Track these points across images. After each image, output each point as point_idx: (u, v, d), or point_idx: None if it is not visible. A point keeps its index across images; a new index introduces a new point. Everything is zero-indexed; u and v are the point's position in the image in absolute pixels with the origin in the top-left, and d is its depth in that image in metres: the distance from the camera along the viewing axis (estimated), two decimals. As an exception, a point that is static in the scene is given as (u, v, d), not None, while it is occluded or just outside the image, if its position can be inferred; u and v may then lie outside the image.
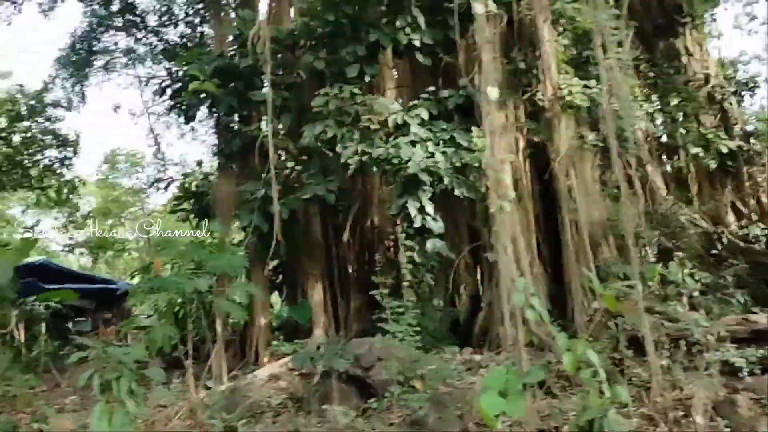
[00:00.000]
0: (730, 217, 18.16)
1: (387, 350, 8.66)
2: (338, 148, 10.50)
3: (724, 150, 17.90)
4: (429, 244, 10.56)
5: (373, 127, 10.70)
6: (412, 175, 9.90)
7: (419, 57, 11.62)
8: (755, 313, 11.80)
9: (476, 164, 10.67)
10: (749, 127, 19.09)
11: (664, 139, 19.16)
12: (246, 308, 8.70)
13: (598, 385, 3.92)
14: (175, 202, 15.49)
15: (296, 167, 12.26)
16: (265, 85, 11.40)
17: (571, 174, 13.12)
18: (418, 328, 9.47)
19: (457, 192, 10.50)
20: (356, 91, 10.81)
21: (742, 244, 15.93)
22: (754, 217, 17.60)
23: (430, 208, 10.17)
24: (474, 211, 11.48)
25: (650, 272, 9.76)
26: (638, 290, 7.14)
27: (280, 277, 13.36)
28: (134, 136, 78.50)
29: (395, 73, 13.78)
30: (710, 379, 6.69)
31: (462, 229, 12.10)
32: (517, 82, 11.50)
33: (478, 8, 6.28)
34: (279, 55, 12.08)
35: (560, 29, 11.14)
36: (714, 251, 16.01)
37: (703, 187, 18.74)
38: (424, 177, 9.94)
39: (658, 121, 19.38)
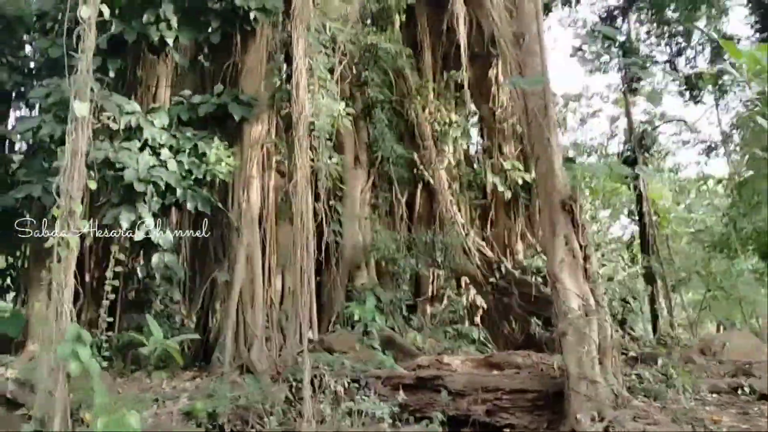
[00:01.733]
0: (520, 247, 18.72)
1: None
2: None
3: (520, 181, 18.41)
4: (154, 259, 9.85)
5: (102, 126, 9.81)
6: (128, 184, 9.12)
7: (176, 57, 10.92)
8: (485, 351, 12.04)
9: (218, 177, 10.12)
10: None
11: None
12: None
13: None
14: None
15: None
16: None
17: (347, 194, 12.91)
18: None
19: (189, 206, 9.85)
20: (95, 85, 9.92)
21: (517, 274, 16.34)
22: (539, 248, 18.19)
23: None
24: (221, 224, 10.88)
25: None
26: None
27: (8, 280, 12.11)
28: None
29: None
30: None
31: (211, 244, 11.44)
32: (278, 98, 11.08)
33: (84, 12, 5.62)
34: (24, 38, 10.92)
35: (322, 47, 10.77)
36: (492, 279, 16.36)
37: (499, 217, 19.21)
38: (142, 187, 9.18)
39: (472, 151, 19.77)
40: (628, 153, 27.50)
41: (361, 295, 11.99)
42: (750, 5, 21.11)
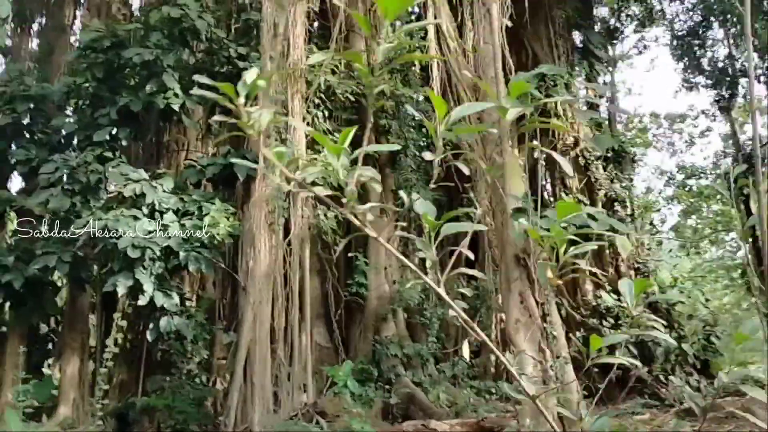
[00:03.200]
0: (588, 285, 17.58)
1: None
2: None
3: (584, 216, 17.36)
4: (162, 322, 9.99)
5: (109, 196, 10.20)
6: (123, 250, 9.33)
7: (186, 121, 11.22)
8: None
9: (219, 238, 10.16)
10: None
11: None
12: None
13: None
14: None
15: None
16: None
17: (371, 243, 12.60)
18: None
19: (191, 268, 9.95)
20: (108, 155, 10.41)
21: (578, 316, 15.30)
22: (608, 287, 16.97)
23: (148, 286, 9.57)
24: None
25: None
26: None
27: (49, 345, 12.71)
28: None
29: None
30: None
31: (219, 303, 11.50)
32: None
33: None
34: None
35: (317, 101, 10.67)
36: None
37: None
38: (137, 253, 9.36)
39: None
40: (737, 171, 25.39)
41: (386, 348, 11.58)
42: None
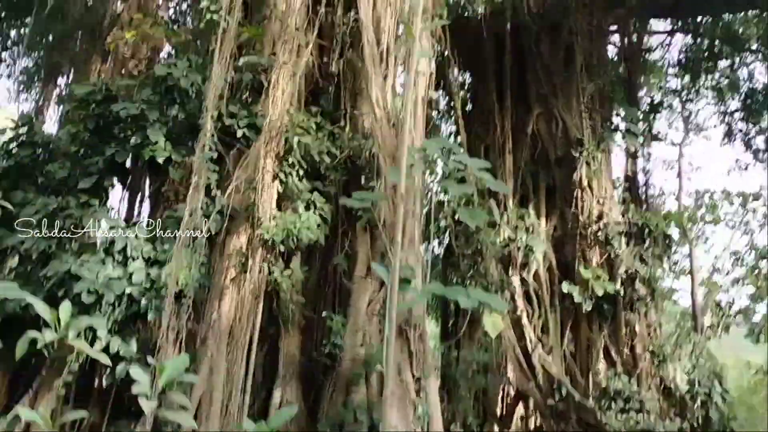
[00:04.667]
0: (601, 365, 16.74)
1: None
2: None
3: (600, 292, 16.73)
4: (119, 369, 10.14)
5: (88, 242, 10.59)
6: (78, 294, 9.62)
7: (172, 173, 11.60)
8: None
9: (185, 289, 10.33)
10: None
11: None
12: None
13: None
14: None
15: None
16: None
17: (352, 304, 12.46)
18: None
19: (149, 316, 10.13)
20: (93, 202, 10.89)
21: (577, 397, 14.56)
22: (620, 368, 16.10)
23: (102, 332, 9.78)
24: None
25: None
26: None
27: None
28: None
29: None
30: None
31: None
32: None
33: None
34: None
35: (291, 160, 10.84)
36: (551, 401, 14.76)
37: (579, 331, 17.43)
38: (91, 299, 9.63)
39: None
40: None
41: (354, 414, 11.26)
42: None
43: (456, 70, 18.25)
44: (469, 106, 20.87)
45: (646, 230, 17.46)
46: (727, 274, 31.27)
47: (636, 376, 15.71)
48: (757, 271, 29.56)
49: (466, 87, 21.62)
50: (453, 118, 20.53)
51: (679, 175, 28.02)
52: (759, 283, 29.68)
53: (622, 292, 16.52)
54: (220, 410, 10.20)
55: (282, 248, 10.39)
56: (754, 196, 30.04)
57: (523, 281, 17.48)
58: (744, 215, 30.98)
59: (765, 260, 29.09)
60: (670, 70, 22.32)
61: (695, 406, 14.94)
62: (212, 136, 11.25)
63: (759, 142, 22.90)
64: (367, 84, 10.56)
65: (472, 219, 5.60)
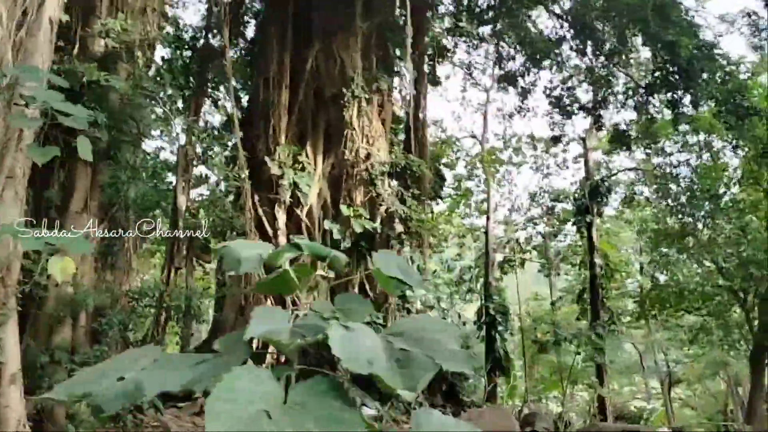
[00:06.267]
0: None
1: None
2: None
3: (359, 230, 17.17)
4: None
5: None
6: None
7: None
8: None
9: None
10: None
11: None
12: None
13: None
14: None
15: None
16: None
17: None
18: None
19: None
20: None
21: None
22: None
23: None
24: None
25: None
26: None
27: None
28: None
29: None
30: None
31: None
32: None
33: None
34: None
35: None
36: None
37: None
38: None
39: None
40: (582, 201, 25.57)
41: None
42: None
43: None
44: (255, 34, 20.39)
45: (408, 171, 18.05)
46: (526, 213, 33.43)
47: (385, 308, 16.50)
48: (550, 211, 31.80)
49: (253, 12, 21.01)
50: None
51: (484, 118, 29.09)
52: (552, 222, 32.00)
53: (379, 230, 17.06)
54: None
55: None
56: (555, 141, 31.84)
57: (292, 218, 17.54)
58: (546, 159, 32.96)
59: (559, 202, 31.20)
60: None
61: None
62: None
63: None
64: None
65: (42, 156, 5.35)
